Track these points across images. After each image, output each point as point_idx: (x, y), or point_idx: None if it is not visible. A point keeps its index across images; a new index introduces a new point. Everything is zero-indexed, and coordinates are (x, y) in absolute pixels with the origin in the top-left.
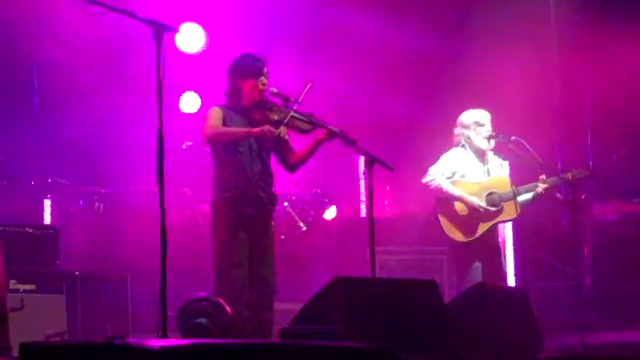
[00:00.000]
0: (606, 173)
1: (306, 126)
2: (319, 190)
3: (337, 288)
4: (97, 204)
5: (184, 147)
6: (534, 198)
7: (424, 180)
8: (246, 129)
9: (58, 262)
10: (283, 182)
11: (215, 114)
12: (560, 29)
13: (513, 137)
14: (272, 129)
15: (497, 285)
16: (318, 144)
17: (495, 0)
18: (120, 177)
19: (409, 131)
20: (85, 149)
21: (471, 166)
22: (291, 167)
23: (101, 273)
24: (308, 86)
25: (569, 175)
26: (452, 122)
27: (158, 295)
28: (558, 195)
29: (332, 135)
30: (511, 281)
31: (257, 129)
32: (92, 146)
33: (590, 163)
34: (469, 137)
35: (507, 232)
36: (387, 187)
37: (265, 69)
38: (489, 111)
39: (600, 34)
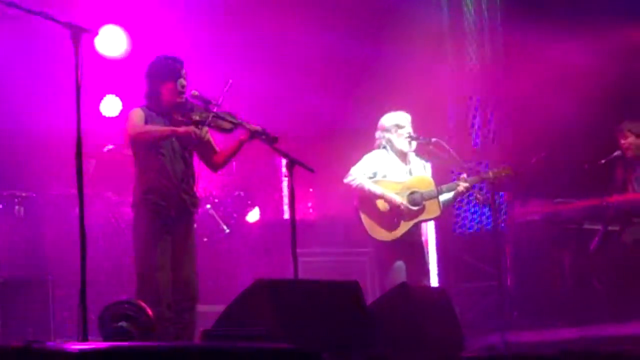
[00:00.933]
0: (528, 174)
1: (228, 125)
2: (242, 193)
3: (259, 290)
4: (17, 207)
5: (105, 149)
6: (455, 197)
7: (345, 180)
8: (171, 128)
9: None
10: (206, 184)
11: (137, 115)
12: (479, 31)
13: (433, 139)
14: (197, 130)
15: (419, 285)
16: (241, 143)
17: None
18: (41, 181)
19: (332, 133)
20: (2, 153)
21: (393, 167)
22: (215, 167)
23: (22, 277)
24: (229, 83)
25: (490, 174)
26: (374, 124)
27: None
28: (478, 195)
29: (253, 134)
30: (434, 281)
31: (182, 129)
32: (10, 149)
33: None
34: (390, 140)
35: (429, 232)
36: (310, 189)
37: (184, 71)
38: (410, 112)
39: (522, 33)
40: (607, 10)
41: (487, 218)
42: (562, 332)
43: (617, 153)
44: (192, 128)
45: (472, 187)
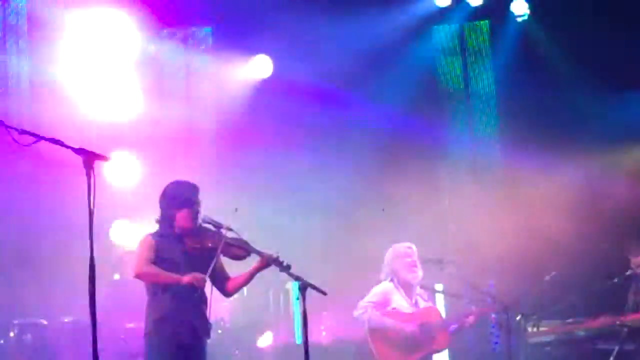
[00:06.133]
0: (540, 294)
1: (241, 252)
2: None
3: None
4: (27, 335)
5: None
6: (463, 328)
7: (355, 314)
8: (176, 277)
9: None
10: (217, 308)
11: (148, 245)
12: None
13: (445, 259)
14: (200, 277)
15: None
16: (255, 271)
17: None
18: (52, 308)
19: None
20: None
21: (400, 298)
22: (227, 294)
23: None
24: (236, 210)
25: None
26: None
27: None
28: (493, 315)
29: (269, 262)
30: None
31: (186, 278)
32: (21, 277)
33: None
34: (395, 271)
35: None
36: (324, 313)
37: (199, 197)
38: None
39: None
40: (606, 134)
41: (497, 337)
42: None
43: (629, 272)
44: (195, 278)
45: (480, 317)
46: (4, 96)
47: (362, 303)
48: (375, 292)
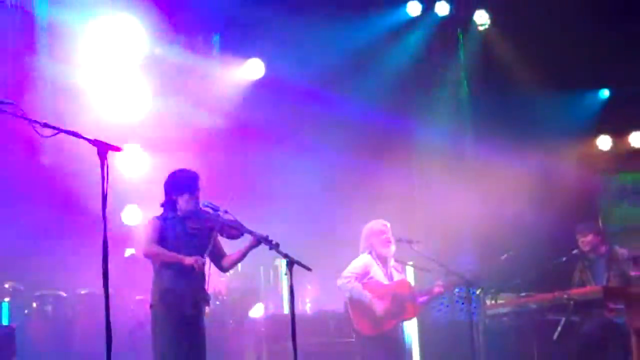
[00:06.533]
0: (498, 271)
1: (235, 233)
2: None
3: None
4: (48, 306)
5: (126, 255)
6: (430, 299)
7: (339, 283)
8: (179, 257)
9: (14, 357)
10: (215, 283)
11: (153, 227)
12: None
13: (414, 240)
14: (201, 261)
15: None
16: (248, 249)
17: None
18: (69, 282)
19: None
20: (35, 257)
21: (377, 270)
22: (224, 269)
23: None
24: (232, 194)
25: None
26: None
27: None
28: (456, 290)
29: (260, 241)
30: None
31: (189, 259)
32: (43, 254)
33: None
34: (372, 245)
35: (413, 331)
36: (309, 287)
37: (198, 184)
38: (390, 220)
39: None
40: (559, 130)
41: (460, 311)
42: None
43: (575, 251)
44: (197, 261)
45: (445, 289)
46: (30, 94)
47: (345, 273)
48: (356, 265)
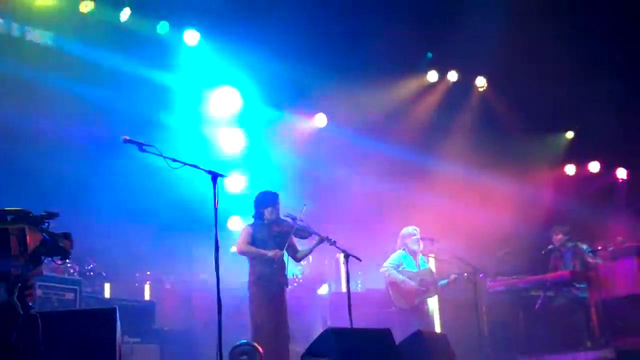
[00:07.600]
0: (496, 261)
1: (305, 234)
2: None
3: (329, 335)
4: (177, 286)
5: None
6: (448, 283)
7: (381, 270)
8: (263, 252)
9: (155, 323)
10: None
11: (246, 232)
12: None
13: (435, 239)
14: (279, 253)
15: (428, 331)
16: (314, 246)
17: None
18: (192, 269)
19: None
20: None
21: (408, 261)
22: (298, 260)
23: (183, 329)
24: (304, 207)
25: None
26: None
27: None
28: (465, 274)
29: (322, 239)
30: (438, 329)
31: (271, 253)
32: (175, 249)
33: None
34: (406, 243)
35: (434, 305)
36: (360, 272)
37: (278, 200)
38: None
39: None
40: (537, 161)
41: (468, 290)
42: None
43: (550, 246)
44: (275, 254)
45: (459, 277)
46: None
47: (385, 264)
48: (394, 258)
